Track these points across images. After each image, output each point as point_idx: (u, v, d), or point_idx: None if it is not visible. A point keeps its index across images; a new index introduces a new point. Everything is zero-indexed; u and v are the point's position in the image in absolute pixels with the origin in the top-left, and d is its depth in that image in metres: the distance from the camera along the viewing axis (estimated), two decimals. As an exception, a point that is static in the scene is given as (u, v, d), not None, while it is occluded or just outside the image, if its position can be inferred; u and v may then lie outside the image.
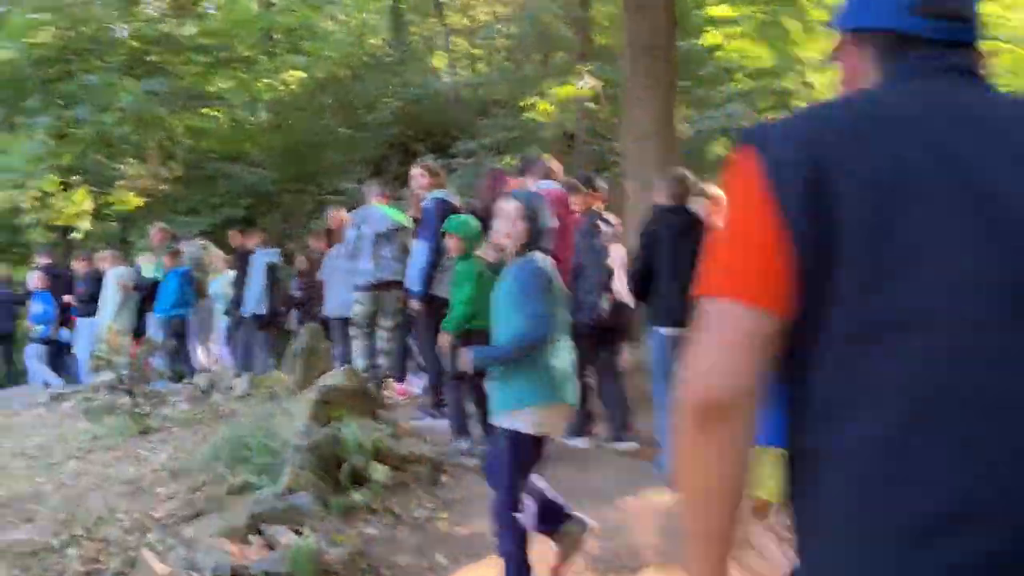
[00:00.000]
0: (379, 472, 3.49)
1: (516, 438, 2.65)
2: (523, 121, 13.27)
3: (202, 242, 8.97)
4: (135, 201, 9.04)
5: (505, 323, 2.77)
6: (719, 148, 11.95)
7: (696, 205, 4.14)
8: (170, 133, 8.95)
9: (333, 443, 3.49)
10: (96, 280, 8.47)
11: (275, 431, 3.88)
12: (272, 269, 7.84)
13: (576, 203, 4.94)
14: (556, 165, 5.90)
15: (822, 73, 11.76)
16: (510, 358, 2.69)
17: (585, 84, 11.80)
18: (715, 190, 4.13)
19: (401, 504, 3.46)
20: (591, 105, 12.48)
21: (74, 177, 8.58)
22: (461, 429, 4.48)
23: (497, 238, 2.86)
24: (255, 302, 7.73)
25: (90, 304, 8.42)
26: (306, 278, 7.82)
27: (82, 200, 8.69)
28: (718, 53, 11.61)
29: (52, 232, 9.44)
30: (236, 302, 7.98)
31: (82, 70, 7.77)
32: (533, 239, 2.78)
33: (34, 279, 8.89)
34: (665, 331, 4.04)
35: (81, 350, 8.43)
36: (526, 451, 2.67)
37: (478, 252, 4.59)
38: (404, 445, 3.76)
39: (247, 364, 7.71)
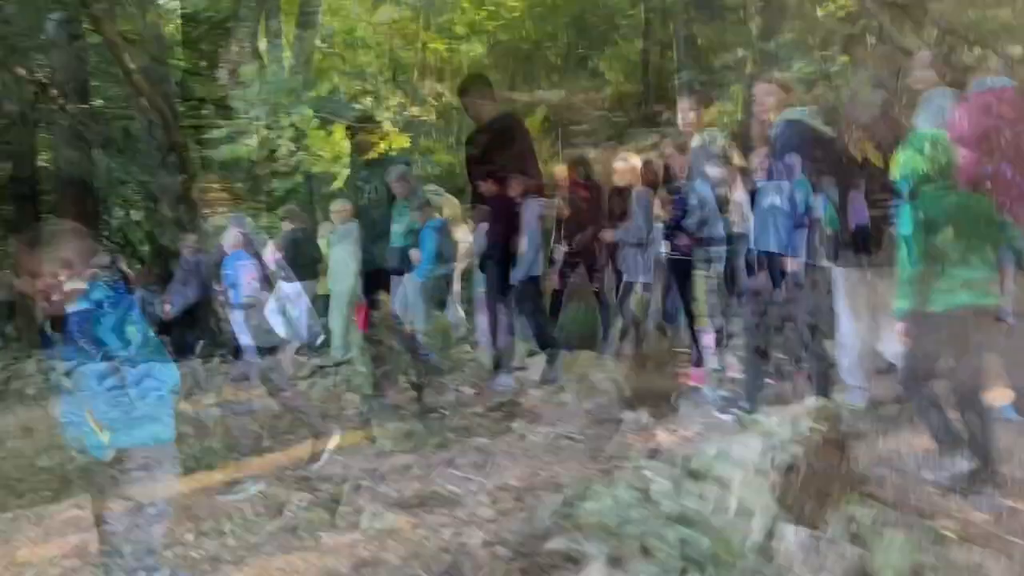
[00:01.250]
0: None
1: None
2: (804, 23, 10.90)
3: (434, 187, 7.72)
4: (401, 140, 7.88)
5: None
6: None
7: None
8: (422, 61, 7.68)
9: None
10: (293, 241, 7.42)
11: (699, 514, 2.26)
12: (543, 221, 6.36)
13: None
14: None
15: None
16: None
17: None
18: None
19: None
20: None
21: (321, 114, 7.56)
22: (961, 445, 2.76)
23: None
24: (529, 263, 6.29)
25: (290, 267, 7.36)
26: (571, 228, 6.26)
27: (341, 140, 7.61)
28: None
29: (301, 180, 8.55)
30: (486, 257, 6.61)
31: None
32: None
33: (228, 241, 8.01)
34: None
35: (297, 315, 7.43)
36: None
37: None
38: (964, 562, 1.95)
39: (527, 338, 6.31)
